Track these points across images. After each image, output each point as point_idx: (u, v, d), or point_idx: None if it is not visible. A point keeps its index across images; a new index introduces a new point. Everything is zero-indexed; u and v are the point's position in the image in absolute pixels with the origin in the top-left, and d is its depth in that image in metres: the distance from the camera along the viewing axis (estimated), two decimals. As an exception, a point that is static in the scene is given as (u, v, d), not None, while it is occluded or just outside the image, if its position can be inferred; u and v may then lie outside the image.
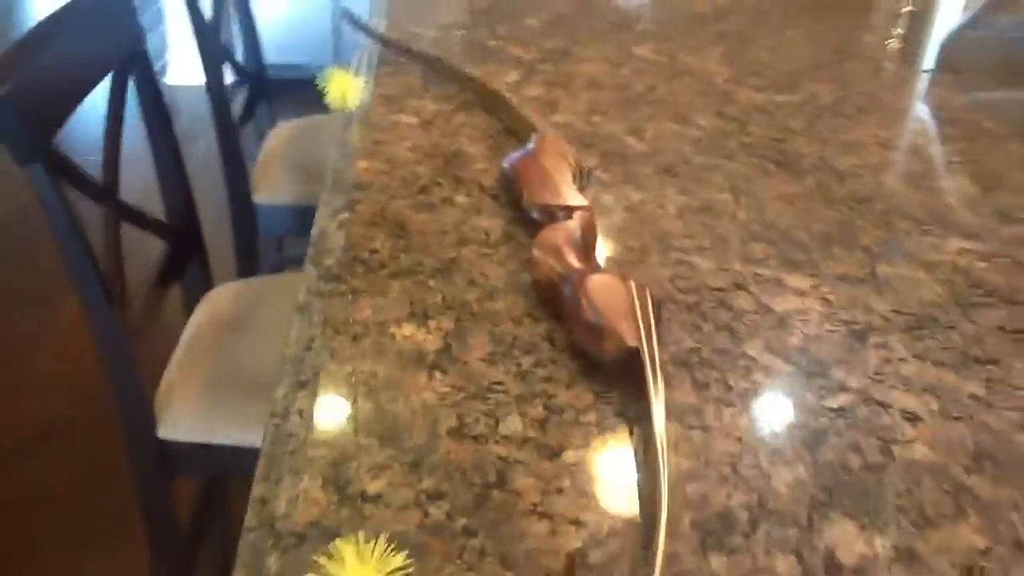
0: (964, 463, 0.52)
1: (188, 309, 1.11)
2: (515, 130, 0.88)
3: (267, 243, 1.42)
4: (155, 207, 1.06)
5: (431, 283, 0.66)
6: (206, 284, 1.14)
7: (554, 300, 0.62)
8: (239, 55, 1.60)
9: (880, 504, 0.49)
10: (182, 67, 2.88)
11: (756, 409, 0.56)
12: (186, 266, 1.10)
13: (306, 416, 0.54)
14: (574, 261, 0.63)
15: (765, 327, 0.63)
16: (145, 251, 1.06)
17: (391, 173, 0.81)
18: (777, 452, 0.52)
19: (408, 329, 0.61)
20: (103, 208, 0.93)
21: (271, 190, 1.36)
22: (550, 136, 0.80)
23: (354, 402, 0.55)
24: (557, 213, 0.69)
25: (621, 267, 0.69)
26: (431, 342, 0.60)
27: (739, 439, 0.53)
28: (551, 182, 0.73)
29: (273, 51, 1.71)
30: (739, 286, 0.68)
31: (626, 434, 0.53)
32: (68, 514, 1.39)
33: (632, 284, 0.60)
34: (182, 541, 1.05)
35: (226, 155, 1.36)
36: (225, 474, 1.15)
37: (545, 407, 0.55)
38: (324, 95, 0.92)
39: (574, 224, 0.68)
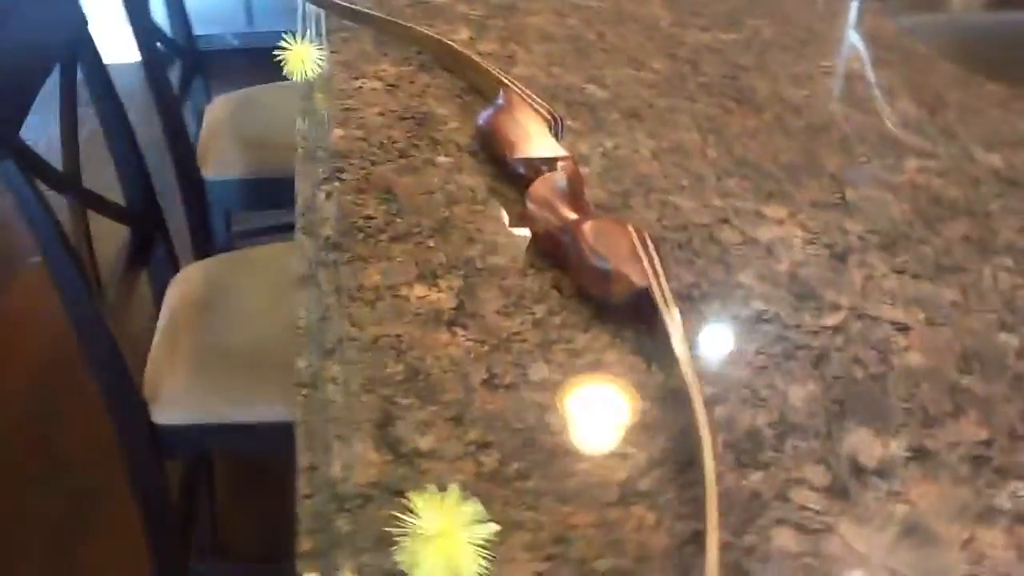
0: (956, 365, 0.57)
1: (158, 294, 1.10)
2: (480, 87, 0.89)
3: (216, 220, 1.41)
4: (113, 194, 1.04)
5: (431, 243, 0.67)
6: (173, 267, 1.13)
7: (555, 251, 0.65)
8: (167, 29, 1.56)
9: (888, 410, 0.54)
10: (109, 45, 2.77)
11: (761, 335, 0.59)
12: (152, 251, 1.09)
13: (342, 382, 0.55)
14: (568, 211, 0.66)
15: (753, 257, 0.67)
16: (109, 239, 1.04)
17: (368, 139, 0.82)
18: (788, 372, 0.56)
19: (420, 290, 0.63)
20: (67, 198, 0.91)
21: (220, 166, 1.35)
22: (519, 89, 0.82)
23: (385, 365, 0.56)
24: (541, 166, 0.71)
25: (609, 213, 0.72)
26: (445, 301, 0.62)
27: (749, 363, 0.57)
28: (530, 135, 0.75)
29: (198, 23, 1.67)
30: (723, 220, 0.71)
31: (646, 369, 0.56)
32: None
33: (630, 227, 0.63)
34: (177, 522, 1.06)
35: (170, 134, 1.33)
36: (212, 454, 1.15)
37: (566, 351, 0.58)
38: (282, 66, 0.92)
39: (560, 175, 0.70)
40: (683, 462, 0.50)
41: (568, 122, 0.84)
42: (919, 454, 0.51)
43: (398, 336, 0.59)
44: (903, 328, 0.60)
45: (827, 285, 0.64)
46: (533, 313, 0.61)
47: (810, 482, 0.49)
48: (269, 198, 1.36)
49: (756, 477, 0.49)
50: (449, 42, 0.95)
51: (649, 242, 0.62)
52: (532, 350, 0.58)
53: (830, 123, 0.86)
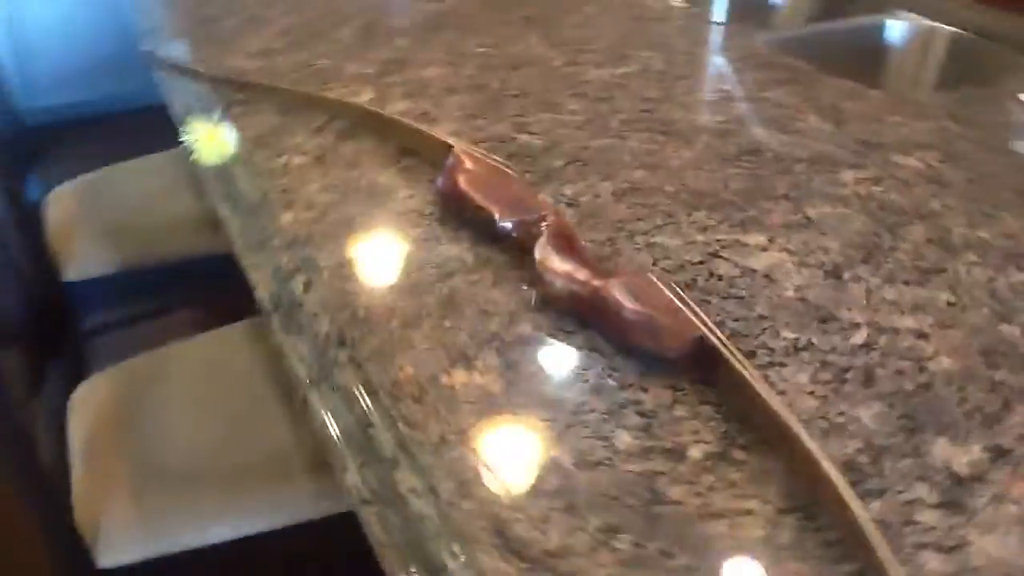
0: (983, 362, 0.61)
1: (49, 421, 0.98)
2: (413, 148, 0.86)
3: (83, 324, 1.28)
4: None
5: (447, 324, 0.64)
6: (66, 385, 1.01)
7: (583, 312, 0.63)
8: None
9: (952, 416, 0.56)
10: None
11: (805, 363, 0.61)
12: (44, 371, 0.97)
13: (426, 492, 0.51)
14: (581, 270, 0.65)
15: (759, 287, 0.68)
16: None
17: (322, 220, 0.77)
18: (848, 396, 0.58)
19: (461, 375, 0.59)
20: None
21: (82, 264, 1.22)
22: (466, 147, 0.80)
23: (466, 464, 0.53)
24: (532, 226, 0.69)
25: (603, 262, 0.71)
26: (492, 383, 0.59)
27: (811, 393, 0.58)
28: (506, 194, 0.73)
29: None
30: (713, 255, 0.72)
31: (721, 418, 0.56)
32: None
33: (653, 277, 0.63)
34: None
35: (17, 237, 1.20)
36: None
37: (638, 412, 0.56)
38: (194, 153, 0.85)
39: (556, 232, 0.68)
40: (806, 505, 0.50)
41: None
42: (998, 454, 0.54)
43: (463, 430, 0.55)
44: (922, 335, 0.63)
45: (837, 304, 0.66)
46: (586, 379, 0.59)
47: (924, 500, 0.50)
48: (144, 288, 1.25)
49: (876, 506, 0.50)
50: (371, 108, 0.91)
51: (677, 289, 0.62)
52: (605, 418, 0.56)
53: (759, 145, 0.90)
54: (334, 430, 0.58)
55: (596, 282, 0.63)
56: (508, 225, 0.70)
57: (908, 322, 0.65)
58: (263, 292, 0.72)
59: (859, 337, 0.63)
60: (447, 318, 0.65)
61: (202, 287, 1.27)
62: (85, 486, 0.88)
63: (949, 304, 0.67)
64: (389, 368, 0.60)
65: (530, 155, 0.87)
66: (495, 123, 0.93)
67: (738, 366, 0.56)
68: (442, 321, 0.64)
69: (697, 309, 0.60)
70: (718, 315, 0.65)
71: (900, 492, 0.51)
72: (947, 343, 0.63)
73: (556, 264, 0.65)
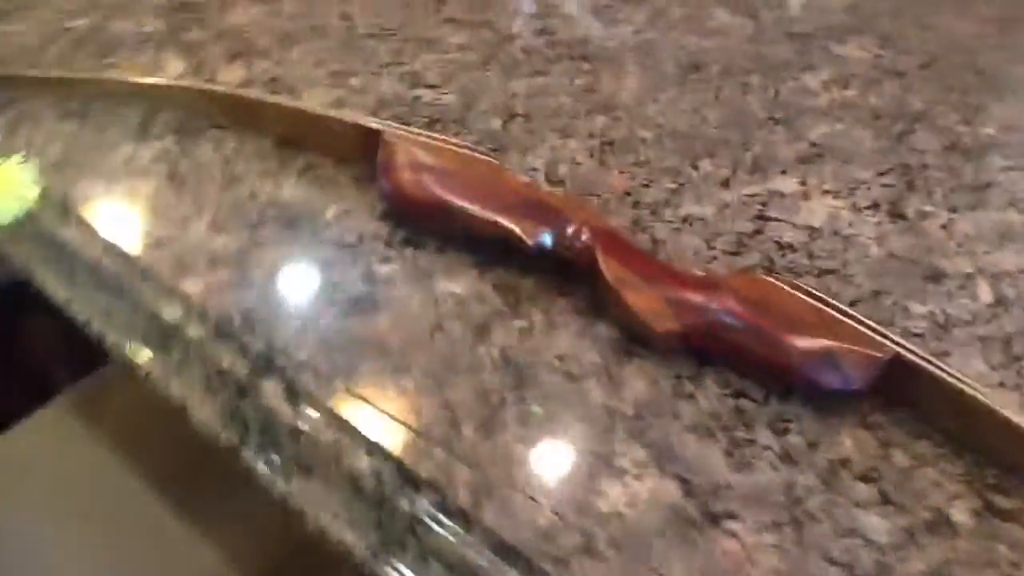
0: (1119, 293, 0.54)
1: None
2: (296, 138, 0.62)
3: None
4: None
5: (532, 405, 0.46)
6: None
7: (702, 346, 0.48)
8: None
9: None
10: None
11: (964, 344, 0.50)
12: None
13: None
14: (683, 289, 0.49)
15: (839, 249, 0.56)
16: None
17: (242, 283, 0.53)
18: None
19: (607, 484, 0.42)
20: None
21: None
22: (398, 128, 0.58)
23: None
24: (574, 240, 0.51)
25: (652, 256, 0.55)
26: (664, 488, 0.42)
27: (1003, 384, 0.48)
28: (504, 192, 0.54)
29: None
30: (761, 217, 0.59)
31: (949, 452, 0.45)
32: None
33: (760, 275, 0.49)
34: None
35: None
36: None
37: (861, 479, 0.43)
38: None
39: (604, 235, 0.51)
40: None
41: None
42: None
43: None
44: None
45: (930, 253, 0.57)
46: (766, 444, 0.44)
47: None
48: None
49: None
50: (211, 87, 0.65)
51: (808, 288, 0.48)
52: (831, 499, 0.42)
53: (695, 59, 0.76)
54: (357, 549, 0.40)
55: (717, 304, 0.47)
56: (546, 242, 0.51)
57: (1007, 260, 0.56)
58: (189, 408, 0.49)
59: (984, 293, 0.54)
60: (514, 390, 0.46)
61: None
62: None
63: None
64: (486, 501, 0.41)
65: (453, 118, 0.67)
66: (374, 78, 0.71)
67: (949, 379, 0.44)
68: (520, 401, 0.46)
69: (849, 310, 0.47)
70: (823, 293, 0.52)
71: None
72: (1062, 276, 0.55)
73: (643, 288, 0.48)
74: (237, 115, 0.63)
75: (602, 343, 0.49)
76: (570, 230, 0.51)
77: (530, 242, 0.51)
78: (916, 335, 0.50)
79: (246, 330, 0.49)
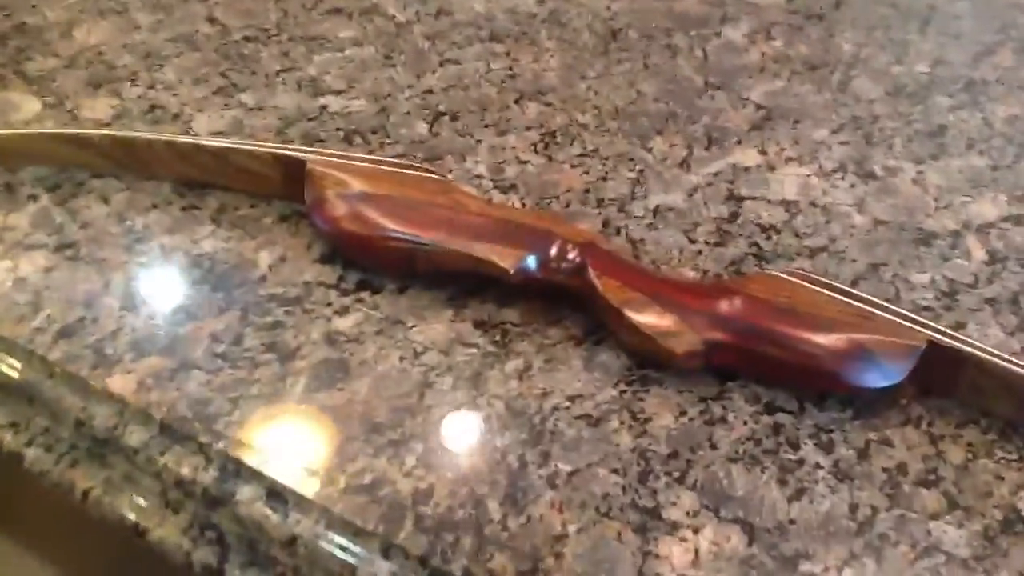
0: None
1: None
2: (191, 176, 0.53)
3: None
4: None
5: (528, 455, 0.40)
6: None
7: (727, 363, 0.43)
8: None
9: None
10: None
11: (974, 310, 0.48)
12: None
13: None
14: (686, 296, 0.44)
15: (821, 223, 0.53)
16: None
17: (218, 357, 0.44)
18: None
19: (672, 552, 0.38)
20: None
21: None
22: (319, 156, 0.51)
23: None
24: (561, 260, 0.45)
25: (626, 255, 0.50)
26: (731, 540, 0.38)
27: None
28: (480, 215, 0.47)
29: None
30: (734, 198, 0.55)
31: (1008, 444, 0.42)
32: None
33: (775, 273, 0.45)
34: None
35: None
36: None
37: (946, 498, 0.40)
38: None
39: (592, 252, 0.46)
40: None
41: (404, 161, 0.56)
42: None
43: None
44: (1017, 219, 0.54)
45: (912, 213, 0.54)
46: (819, 465, 0.41)
47: None
48: None
49: None
50: (101, 133, 0.55)
51: (824, 280, 0.45)
52: (883, 505, 0.39)
53: (610, 25, 0.70)
54: None
55: (736, 314, 0.43)
56: (530, 268, 0.45)
57: (988, 208, 0.54)
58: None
59: (976, 250, 0.52)
60: (542, 446, 0.40)
61: None
62: None
63: (991, 167, 0.57)
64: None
65: (371, 127, 0.59)
66: (268, 91, 0.62)
67: (988, 357, 0.41)
68: (543, 460, 0.40)
69: (872, 298, 0.44)
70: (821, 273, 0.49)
71: None
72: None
73: (651, 306, 0.43)
74: (122, 159, 0.53)
75: (612, 374, 0.44)
76: (554, 250, 0.45)
77: (511, 270, 0.45)
78: (926, 308, 0.48)
79: (202, 427, 0.41)
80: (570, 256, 0.45)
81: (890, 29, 0.70)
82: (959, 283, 0.49)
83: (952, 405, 0.43)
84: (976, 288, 0.49)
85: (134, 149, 0.52)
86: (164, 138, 0.52)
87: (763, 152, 0.58)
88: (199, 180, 0.53)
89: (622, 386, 0.43)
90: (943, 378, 0.42)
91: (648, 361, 0.44)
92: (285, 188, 0.51)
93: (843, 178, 0.56)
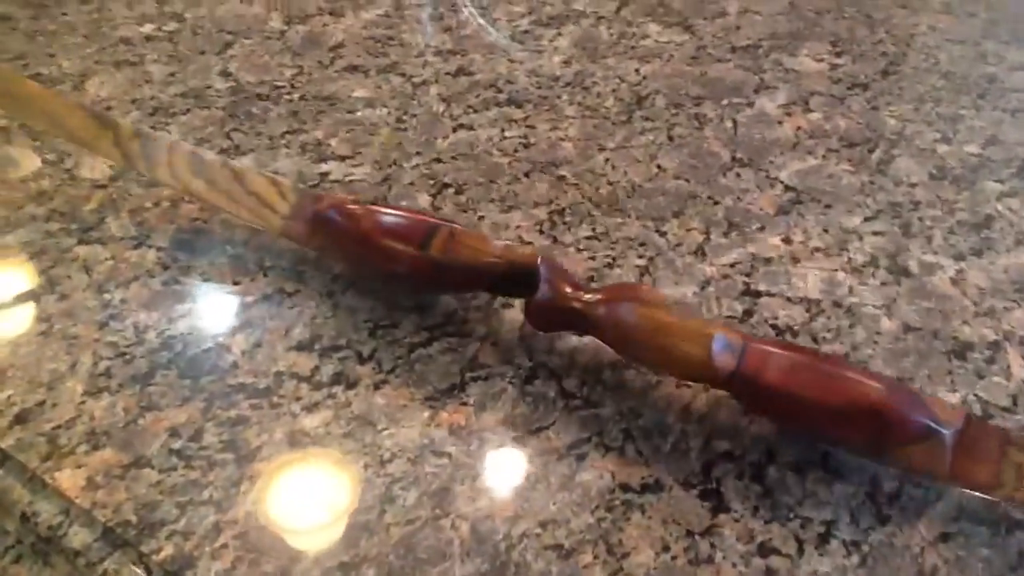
0: None
1: None
2: (204, 195, 0.51)
3: None
4: None
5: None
6: None
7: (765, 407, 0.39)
8: None
9: None
10: None
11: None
12: None
13: None
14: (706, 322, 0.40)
15: (845, 326, 0.48)
16: None
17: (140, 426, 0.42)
18: None
19: None
20: None
21: None
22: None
23: None
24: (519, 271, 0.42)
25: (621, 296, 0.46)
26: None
27: None
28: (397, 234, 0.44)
29: None
30: (750, 293, 0.50)
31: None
32: None
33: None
34: None
35: None
36: None
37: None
38: None
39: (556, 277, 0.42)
40: None
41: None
42: None
43: None
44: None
45: (947, 319, 0.49)
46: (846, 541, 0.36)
47: None
48: None
49: None
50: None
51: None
52: None
53: (638, 91, 0.67)
54: None
55: (736, 347, 0.38)
56: (485, 278, 0.41)
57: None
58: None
59: (1016, 366, 0.46)
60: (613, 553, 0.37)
61: None
62: None
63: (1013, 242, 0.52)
64: None
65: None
66: (271, 156, 0.60)
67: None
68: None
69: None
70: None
71: None
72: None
73: (665, 344, 0.39)
74: (133, 153, 0.51)
75: (592, 497, 0.40)
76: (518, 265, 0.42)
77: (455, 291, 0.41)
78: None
79: (146, 535, 0.39)
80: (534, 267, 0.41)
81: (940, 103, 0.65)
82: (994, 405, 0.44)
83: (972, 557, 0.38)
84: (1014, 413, 0.44)
85: (151, 145, 0.50)
86: (188, 147, 0.50)
87: (787, 241, 0.53)
88: (202, 197, 0.50)
89: (601, 512, 0.39)
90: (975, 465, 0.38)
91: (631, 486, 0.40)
92: (286, 224, 0.48)
93: (874, 274, 0.51)
